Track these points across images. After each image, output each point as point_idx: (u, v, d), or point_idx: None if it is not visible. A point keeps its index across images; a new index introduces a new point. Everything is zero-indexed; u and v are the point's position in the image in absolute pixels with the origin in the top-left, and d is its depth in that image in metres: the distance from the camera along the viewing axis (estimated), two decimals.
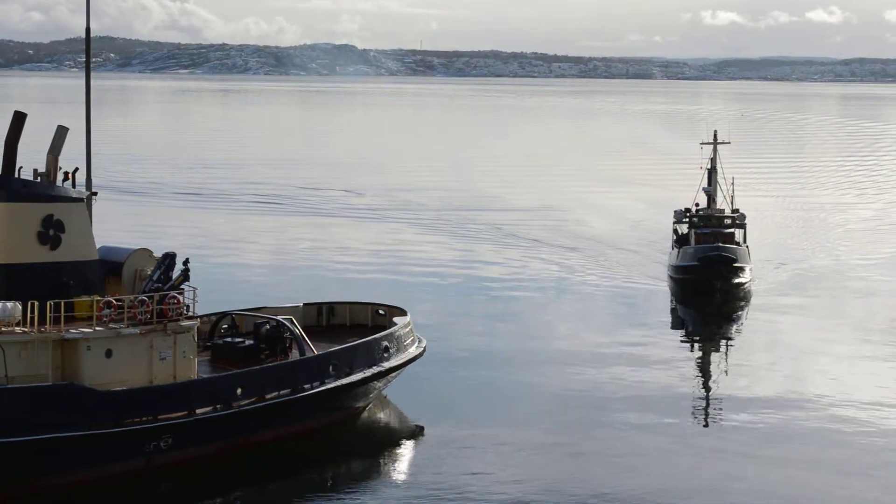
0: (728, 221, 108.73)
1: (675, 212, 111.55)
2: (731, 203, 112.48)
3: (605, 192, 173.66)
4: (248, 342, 63.27)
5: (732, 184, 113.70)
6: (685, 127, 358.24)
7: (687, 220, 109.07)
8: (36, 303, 53.58)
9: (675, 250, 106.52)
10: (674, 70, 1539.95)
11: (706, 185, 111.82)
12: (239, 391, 57.20)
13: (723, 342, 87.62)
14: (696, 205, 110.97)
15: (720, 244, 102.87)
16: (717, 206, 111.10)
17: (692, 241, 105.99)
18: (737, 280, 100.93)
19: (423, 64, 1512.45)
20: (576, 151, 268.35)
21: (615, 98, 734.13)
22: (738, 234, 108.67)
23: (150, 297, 56.74)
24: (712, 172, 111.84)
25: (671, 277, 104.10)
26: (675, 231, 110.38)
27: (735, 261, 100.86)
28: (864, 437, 63.16)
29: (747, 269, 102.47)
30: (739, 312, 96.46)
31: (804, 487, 55.74)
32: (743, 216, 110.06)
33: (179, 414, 54.99)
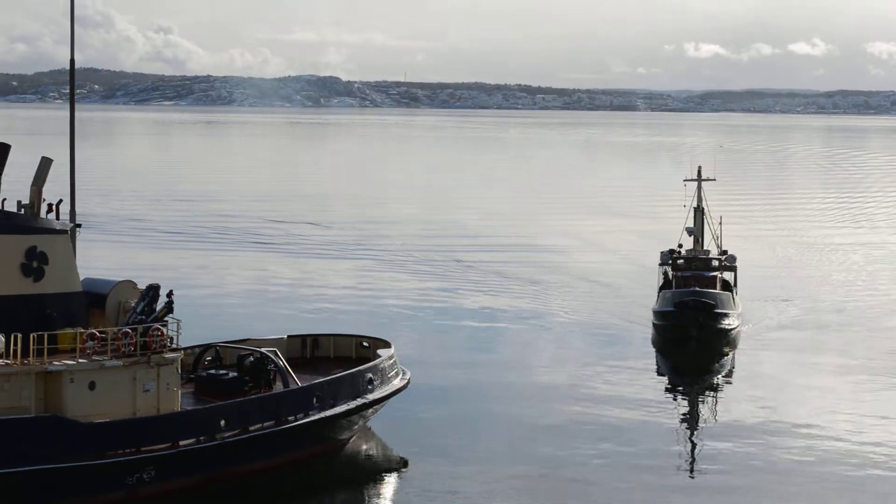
0: (715, 264, 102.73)
1: (661, 253, 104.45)
2: (720, 244, 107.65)
3: (587, 228, 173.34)
4: (231, 374, 63.10)
5: (720, 223, 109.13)
6: (669, 159, 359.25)
7: (671, 262, 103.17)
8: (19, 335, 53.45)
9: (659, 294, 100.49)
10: (657, 102, 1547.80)
11: (689, 226, 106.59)
12: (222, 423, 57.08)
13: (701, 387, 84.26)
14: (680, 246, 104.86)
15: (697, 289, 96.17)
16: (704, 248, 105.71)
17: (674, 284, 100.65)
18: (719, 327, 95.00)
19: (408, 96, 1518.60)
20: (559, 185, 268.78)
21: (598, 130, 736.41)
22: (729, 277, 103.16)
23: (133, 330, 56.64)
24: (697, 211, 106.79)
25: (653, 323, 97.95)
26: (666, 274, 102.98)
27: (714, 307, 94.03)
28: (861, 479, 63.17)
29: (732, 315, 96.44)
30: (721, 361, 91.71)
31: None
32: (733, 258, 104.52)
33: (162, 446, 54.83)
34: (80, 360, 54.80)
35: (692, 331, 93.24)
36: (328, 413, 61.59)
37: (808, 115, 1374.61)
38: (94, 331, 56.22)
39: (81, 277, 58.69)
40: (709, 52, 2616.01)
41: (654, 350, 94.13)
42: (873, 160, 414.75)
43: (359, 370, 64.94)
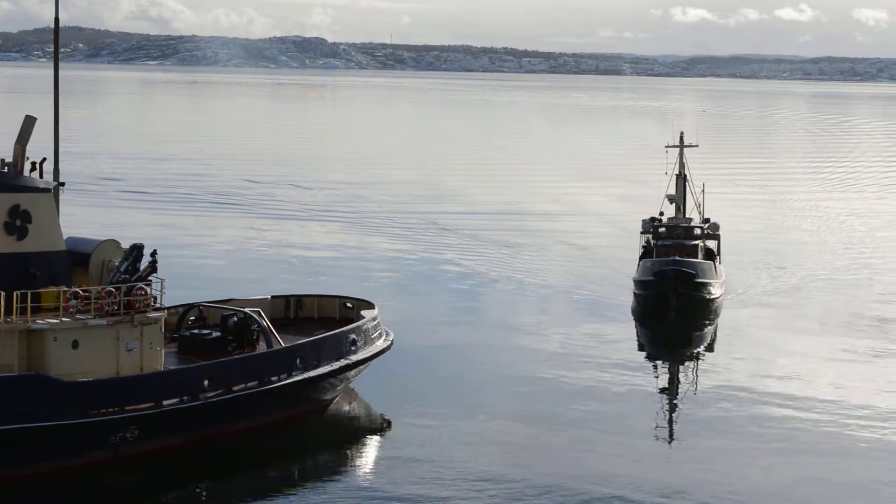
0: (697, 232, 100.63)
1: (643, 221, 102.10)
2: (702, 211, 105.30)
3: (569, 193, 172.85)
4: (215, 334, 63.18)
5: (703, 191, 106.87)
6: (653, 124, 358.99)
7: (652, 231, 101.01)
8: (2, 293, 53.35)
9: (640, 263, 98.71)
10: (643, 66, 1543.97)
11: (670, 192, 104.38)
12: (206, 383, 57.15)
13: (680, 357, 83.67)
14: (661, 214, 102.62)
15: (677, 258, 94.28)
16: (687, 216, 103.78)
17: (654, 253, 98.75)
18: (700, 296, 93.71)
19: (393, 58, 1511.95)
20: (542, 149, 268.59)
21: (584, 94, 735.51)
22: (713, 245, 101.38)
23: (117, 289, 56.62)
24: (679, 178, 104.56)
25: (633, 293, 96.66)
26: (647, 242, 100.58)
27: (694, 276, 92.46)
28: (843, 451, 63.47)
29: (714, 285, 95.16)
30: (702, 330, 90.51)
31: (774, 482, 56.14)
32: (716, 226, 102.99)
33: (146, 405, 54.90)
34: (64, 319, 54.78)
35: (672, 300, 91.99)
36: (311, 374, 61.68)
37: (794, 81, 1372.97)
38: (77, 289, 56.18)
39: (65, 236, 58.58)
40: (696, 16, 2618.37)
41: (633, 319, 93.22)
42: (859, 127, 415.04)
43: (342, 331, 65.00)
